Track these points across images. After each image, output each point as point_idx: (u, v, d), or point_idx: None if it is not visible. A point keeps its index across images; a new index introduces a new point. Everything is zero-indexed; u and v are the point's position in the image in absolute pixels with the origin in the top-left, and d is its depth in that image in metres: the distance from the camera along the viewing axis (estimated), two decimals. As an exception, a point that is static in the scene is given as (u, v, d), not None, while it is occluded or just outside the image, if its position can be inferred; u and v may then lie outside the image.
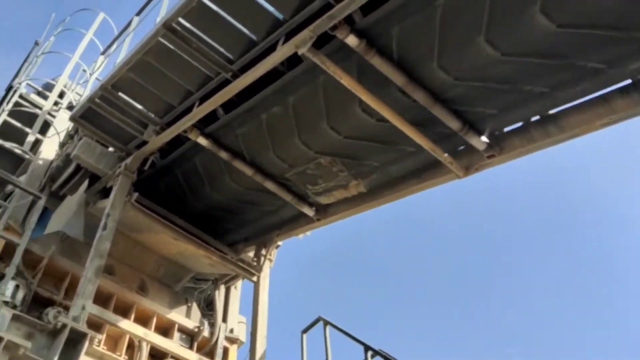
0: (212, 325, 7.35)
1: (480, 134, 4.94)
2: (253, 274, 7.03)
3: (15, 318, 4.97)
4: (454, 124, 4.81)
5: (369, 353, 5.99)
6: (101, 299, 6.20)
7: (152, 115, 6.11)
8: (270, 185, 6.17)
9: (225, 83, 5.29)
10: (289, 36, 4.65)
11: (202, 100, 5.59)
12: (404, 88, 4.58)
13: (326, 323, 6.31)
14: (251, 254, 7.40)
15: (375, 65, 4.48)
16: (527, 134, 4.78)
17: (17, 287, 5.89)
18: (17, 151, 8.24)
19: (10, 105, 8.73)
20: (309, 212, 6.41)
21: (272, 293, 7.14)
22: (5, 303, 5.06)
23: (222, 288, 8.09)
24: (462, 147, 5.23)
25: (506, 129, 4.91)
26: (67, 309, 5.86)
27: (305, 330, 6.50)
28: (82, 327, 5.18)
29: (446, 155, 5.13)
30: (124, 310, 6.60)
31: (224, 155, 6.01)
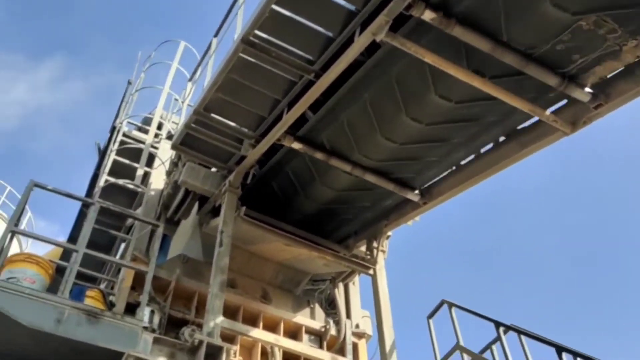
0: (337, 323, 7.44)
1: (582, 86, 4.67)
2: (369, 268, 7.05)
3: (156, 341, 5.28)
4: (552, 80, 4.58)
5: (501, 329, 5.83)
6: (229, 312, 6.44)
7: (246, 130, 6.28)
8: (370, 178, 6.16)
9: (310, 84, 5.34)
10: (364, 25, 4.62)
11: (290, 105, 5.68)
12: (492, 53, 4.42)
13: (451, 305, 6.22)
14: (363, 248, 7.42)
15: (457, 35, 4.35)
16: (633, 76, 4.47)
17: (152, 312, 6.25)
18: (130, 186, 8.76)
19: (116, 145, 9.30)
20: (414, 197, 6.34)
21: (390, 282, 7.12)
22: (145, 328, 5.37)
23: (341, 285, 8.17)
24: (562, 103, 4.98)
25: (609, 75, 4.61)
26: (199, 326, 6.14)
27: (430, 316, 6.44)
28: (217, 341, 5.43)
29: (548, 113, 4.90)
30: (251, 320, 6.82)
31: (319, 155, 6.07)
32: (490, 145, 5.60)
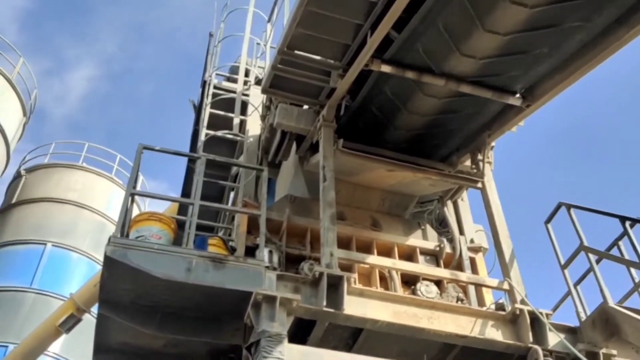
0: (451, 240, 7.41)
1: None
2: (476, 181, 6.90)
3: (279, 278, 5.51)
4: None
5: (627, 223, 5.57)
6: (342, 243, 6.56)
7: (332, 61, 6.21)
8: (466, 89, 5.94)
9: (390, 2, 5.16)
10: None
11: (373, 28, 5.53)
12: None
13: (569, 207, 5.99)
14: (468, 163, 7.26)
15: None
16: None
17: (270, 252, 6.50)
18: (229, 136, 9.02)
19: (209, 98, 9.55)
20: (516, 101, 6.07)
21: (500, 193, 6.95)
22: (267, 268, 5.61)
23: (450, 204, 8.09)
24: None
25: None
26: (316, 260, 6.34)
27: (548, 220, 6.24)
28: (337, 271, 5.58)
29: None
30: (365, 249, 6.92)
31: (410, 74, 5.92)
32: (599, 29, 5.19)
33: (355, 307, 5.42)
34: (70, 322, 9.57)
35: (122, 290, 5.40)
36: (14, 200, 19.31)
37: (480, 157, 6.90)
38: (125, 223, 5.66)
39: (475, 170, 6.99)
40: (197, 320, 5.73)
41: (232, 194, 9.42)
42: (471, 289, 6.91)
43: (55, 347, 15.90)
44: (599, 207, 6.03)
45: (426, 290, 6.61)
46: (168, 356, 6.21)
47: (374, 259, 6.39)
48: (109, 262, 5.15)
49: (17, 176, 20.35)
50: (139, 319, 5.59)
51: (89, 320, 11.26)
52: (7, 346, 14.67)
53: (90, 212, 19.12)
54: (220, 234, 7.64)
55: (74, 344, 16.24)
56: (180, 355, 6.20)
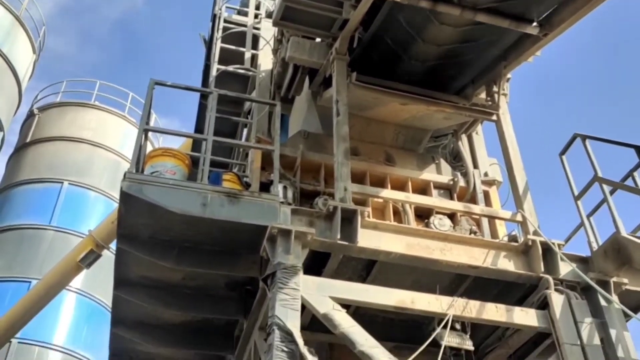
0: (465, 174, 7.39)
1: None
2: (491, 114, 6.82)
3: (294, 212, 5.57)
4: None
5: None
6: (355, 179, 6.57)
7: (344, -9, 6.05)
8: (482, 18, 5.79)
9: None
10: None
11: (386, -44, 5.35)
12: None
13: (584, 138, 5.92)
14: (483, 95, 7.15)
15: None
16: None
17: (284, 188, 6.53)
18: (241, 71, 8.92)
19: (220, 32, 9.40)
20: (533, 30, 5.91)
21: (515, 126, 6.87)
22: (282, 203, 5.67)
23: (464, 137, 8.02)
24: None
25: None
26: (330, 195, 6.37)
27: (563, 152, 6.20)
28: (350, 205, 5.63)
29: None
30: (378, 184, 6.93)
31: (424, 3, 5.75)
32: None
33: (368, 239, 5.50)
34: (90, 258, 9.82)
35: (140, 225, 5.49)
36: (28, 139, 19.47)
37: (495, 89, 6.79)
38: (140, 159, 5.70)
39: (490, 103, 6.89)
40: (214, 253, 5.85)
41: (245, 131, 9.41)
42: (484, 222, 6.94)
43: (77, 282, 16.41)
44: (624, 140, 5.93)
45: (439, 223, 6.65)
46: (187, 288, 6.38)
47: (387, 193, 6.42)
48: (125, 198, 5.23)
49: (30, 115, 20.46)
50: (157, 252, 5.71)
51: (109, 257, 11.53)
52: (30, 281, 15.13)
53: (104, 150, 19.28)
54: (234, 170, 7.68)
55: (95, 280, 16.74)
56: (199, 288, 6.37)
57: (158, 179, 5.38)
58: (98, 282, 16.70)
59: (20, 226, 17.22)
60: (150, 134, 8.13)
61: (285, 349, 4.72)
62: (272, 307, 4.99)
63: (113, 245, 7.62)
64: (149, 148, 8.18)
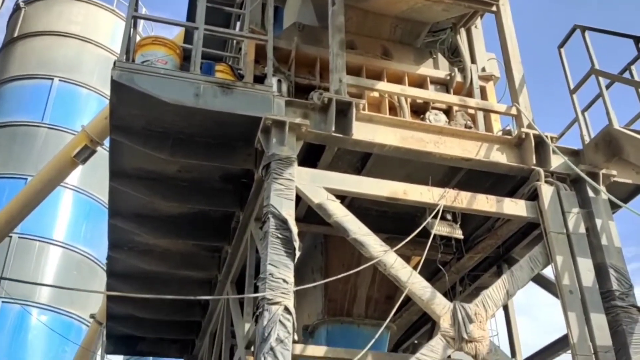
0: (462, 70, 7.30)
1: None
2: (491, 4, 6.62)
3: (288, 104, 5.53)
4: None
5: (643, 45, 5.42)
6: (352, 73, 6.48)
7: None
8: None
9: None
10: None
11: None
12: None
13: (584, 29, 5.80)
14: (483, -13, 6.91)
15: None
16: None
17: (279, 81, 6.45)
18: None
19: None
20: None
21: (516, 20, 6.70)
22: (276, 95, 5.61)
23: (463, 31, 7.85)
24: None
25: None
26: (326, 90, 6.30)
27: (561, 44, 6.09)
28: (345, 97, 5.59)
29: None
30: (375, 78, 6.83)
31: None
32: None
33: (363, 132, 5.50)
34: (85, 153, 9.85)
35: (132, 115, 5.46)
36: (15, 34, 18.95)
37: (496, -22, 6.56)
38: (130, 48, 5.57)
39: (490, -6, 6.68)
40: (208, 145, 5.87)
41: (238, 24, 9.15)
42: (480, 118, 6.93)
43: (74, 180, 16.57)
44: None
45: (435, 119, 6.64)
46: (182, 181, 6.45)
47: (383, 85, 6.35)
48: (117, 87, 5.16)
49: (17, 9, 19.78)
50: (152, 144, 5.72)
51: (104, 155, 11.58)
52: (26, 178, 15.27)
53: (94, 46, 18.84)
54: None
55: (92, 178, 16.91)
56: (194, 180, 6.44)
57: (149, 68, 5.29)
58: (95, 180, 16.89)
59: (13, 123, 17.14)
60: (140, 29, 7.88)
61: (280, 235, 4.85)
62: (267, 197, 5.07)
63: (107, 143, 7.60)
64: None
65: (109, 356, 12.29)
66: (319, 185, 5.23)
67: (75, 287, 16.22)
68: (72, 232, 16.57)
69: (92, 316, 13.39)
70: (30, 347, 15.07)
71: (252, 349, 5.45)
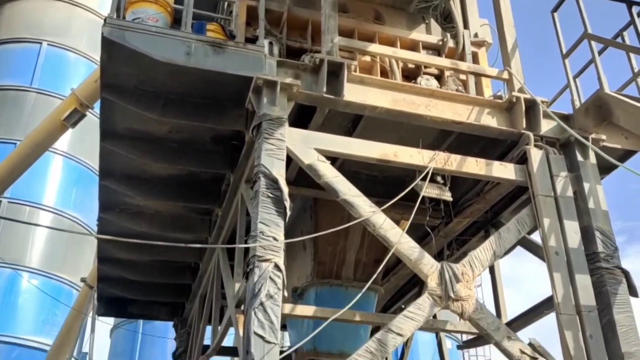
0: (455, 35, 7.27)
1: None
2: (485, -31, 6.58)
3: (280, 64, 5.51)
4: None
5: (635, 9, 5.42)
6: (344, 36, 6.45)
7: None
8: None
9: None
10: None
11: None
12: None
13: (578, -7, 5.77)
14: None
15: None
16: None
17: (270, 44, 6.41)
18: None
19: None
20: None
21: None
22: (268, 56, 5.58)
23: (456, -4, 7.79)
24: None
25: None
26: (317, 52, 6.27)
27: (555, 9, 6.07)
28: (337, 58, 5.57)
29: None
30: (367, 42, 6.81)
31: None
32: None
33: (355, 93, 5.50)
34: (74, 117, 9.76)
35: (123, 74, 5.42)
36: (2, -3, 18.65)
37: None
38: (121, 5, 5.51)
39: (484, -43, 6.63)
40: (199, 106, 5.85)
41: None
42: (471, 84, 6.91)
43: (64, 145, 16.50)
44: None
45: (426, 84, 6.62)
46: (173, 142, 6.44)
47: (375, 47, 6.33)
48: (107, 44, 5.11)
49: (4, -28, 19.42)
50: (143, 103, 5.69)
51: (94, 121, 11.52)
52: (15, 143, 15.15)
53: (83, 10, 18.56)
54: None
55: (82, 144, 16.82)
56: (185, 141, 6.43)
57: (140, 26, 5.24)
58: (85, 146, 16.80)
59: (1, 87, 16.95)
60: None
61: (271, 195, 4.88)
62: (258, 157, 5.08)
63: (97, 108, 7.53)
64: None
65: (100, 318, 12.38)
66: (310, 146, 5.24)
67: (66, 253, 16.30)
68: (62, 197, 16.55)
69: (82, 280, 13.44)
70: (20, 311, 15.16)
71: (242, 307, 5.52)
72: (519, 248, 6.64)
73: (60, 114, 9.84)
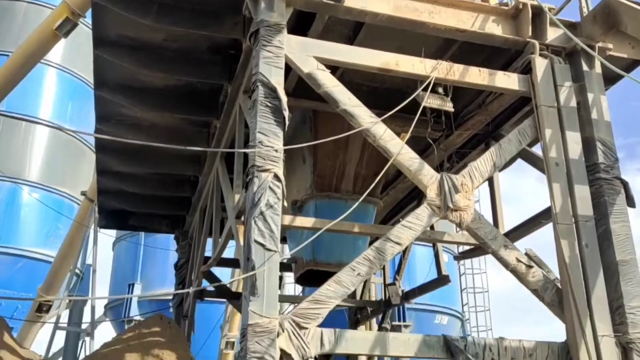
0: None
1: None
2: None
3: (277, -33, 5.25)
4: None
5: None
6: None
7: None
8: None
9: None
10: None
11: None
12: None
13: None
14: None
15: None
16: None
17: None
18: None
19: None
20: None
21: None
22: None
23: None
24: None
25: None
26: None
27: None
28: (338, -39, 5.31)
29: None
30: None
31: None
32: None
33: (355, -1, 5.29)
34: (66, 26, 9.46)
35: (114, -24, 5.21)
36: None
37: None
38: None
39: None
40: (195, 13, 5.67)
41: None
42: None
43: (57, 57, 16.16)
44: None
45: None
46: (169, 51, 6.28)
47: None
48: (97, -56, 4.87)
49: None
50: (135, 9, 5.52)
51: (87, 32, 11.21)
52: (7, 54, 14.82)
53: None
54: None
55: (76, 56, 16.47)
56: (181, 50, 6.27)
57: None
58: (79, 58, 16.46)
59: (-11, -3, 16.44)
60: None
61: (269, 104, 4.78)
62: (255, 65, 4.95)
63: (90, 18, 7.25)
64: None
65: (102, 231, 12.56)
66: (309, 54, 5.09)
67: (64, 168, 16.30)
68: (58, 111, 16.36)
69: (83, 193, 13.52)
70: (22, 224, 15.35)
71: (243, 218, 5.56)
72: (517, 165, 6.64)
73: (51, 24, 9.53)
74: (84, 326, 13.42)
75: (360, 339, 4.68)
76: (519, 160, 6.45)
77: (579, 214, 4.94)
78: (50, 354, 13.14)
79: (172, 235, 10.34)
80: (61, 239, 14.03)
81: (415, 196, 8.32)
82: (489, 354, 4.64)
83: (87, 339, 13.49)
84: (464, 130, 6.63)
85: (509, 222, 6.88)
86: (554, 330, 26.48)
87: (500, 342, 4.73)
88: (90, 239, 14.18)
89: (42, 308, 13.56)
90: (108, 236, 17.41)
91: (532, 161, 6.18)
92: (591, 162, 5.14)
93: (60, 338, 13.79)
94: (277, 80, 4.84)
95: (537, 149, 6.12)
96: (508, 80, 5.43)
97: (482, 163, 5.10)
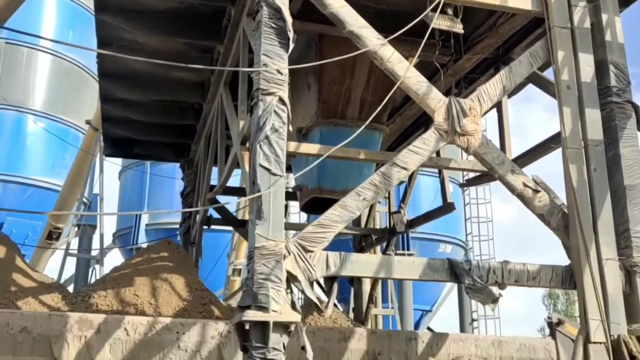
0: None
1: None
2: None
3: None
4: None
5: None
6: None
7: None
8: None
9: None
10: None
11: None
12: None
13: None
14: None
15: None
16: None
17: None
18: None
19: None
20: None
21: None
22: None
23: None
24: None
25: None
26: None
27: None
28: None
29: None
30: None
31: None
32: None
33: None
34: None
35: None
36: None
37: None
38: None
39: None
40: None
41: None
42: None
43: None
44: None
45: None
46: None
47: None
48: None
49: None
50: None
51: None
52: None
53: None
54: None
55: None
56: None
57: None
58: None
59: None
60: None
61: (274, 25, 4.64)
62: (259, -15, 4.76)
63: None
64: None
65: (108, 160, 12.59)
66: (315, -29, 4.90)
67: (67, 97, 16.17)
68: (59, 38, 16.04)
69: (87, 122, 13.47)
70: (29, 153, 15.37)
71: (247, 144, 5.51)
72: (523, 95, 6.48)
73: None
74: (93, 253, 13.68)
75: (365, 262, 4.73)
76: (524, 92, 6.32)
77: (588, 138, 4.86)
78: (62, 281, 13.46)
79: (178, 164, 10.35)
80: (67, 168, 14.09)
81: (422, 124, 8.23)
82: (493, 277, 4.68)
83: (97, 266, 13.78)
84: (473, 54, 6.46)
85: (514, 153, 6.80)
86: (556, 262, 26.79)
87: (505, 265, 4.77)
88: (97, 167, 14.24)
89: (52, 235, 13.79)
90: (114, 164, 17.49)
91: (543, 85, 6.05)
92: (603, 85, 5.02)
93: (71, 265, 14.10)
94: (282, 1, 4.68)
95: (547, 73, 5.97)
96: (521, 0, 5.23)
97: (492, 86, 4.99)
